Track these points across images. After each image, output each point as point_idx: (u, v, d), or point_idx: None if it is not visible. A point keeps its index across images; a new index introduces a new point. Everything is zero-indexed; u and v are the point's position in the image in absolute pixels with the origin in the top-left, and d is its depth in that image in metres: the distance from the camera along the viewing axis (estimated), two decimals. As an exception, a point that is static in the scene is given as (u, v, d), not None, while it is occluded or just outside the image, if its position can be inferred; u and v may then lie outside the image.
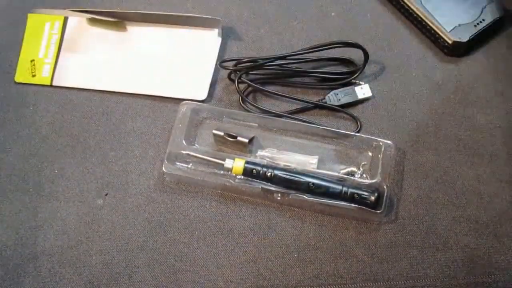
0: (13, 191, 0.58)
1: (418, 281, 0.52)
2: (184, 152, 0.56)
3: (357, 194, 0.52)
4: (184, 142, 0.57)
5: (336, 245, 0.54)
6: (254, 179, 0.54)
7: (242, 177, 0.54)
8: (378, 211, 0.53)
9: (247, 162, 0.54)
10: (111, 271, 0.54)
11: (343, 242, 0.54)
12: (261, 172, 0.53)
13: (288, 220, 0.55)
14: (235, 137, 0.56)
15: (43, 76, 0.64)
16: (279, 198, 0.55)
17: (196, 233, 0.55)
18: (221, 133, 0.56)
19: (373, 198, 0.52)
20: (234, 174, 0.54)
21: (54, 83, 0.63)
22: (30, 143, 0.60)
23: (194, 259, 0.54)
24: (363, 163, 0.56)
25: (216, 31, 0.64)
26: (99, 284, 0.53)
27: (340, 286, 0.52)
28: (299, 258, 0.54)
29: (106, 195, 0.57)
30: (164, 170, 0.56)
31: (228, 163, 0.54)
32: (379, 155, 0.55)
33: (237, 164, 0.54)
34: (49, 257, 0.55)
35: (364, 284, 0.52)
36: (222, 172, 0.55)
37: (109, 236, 0.55)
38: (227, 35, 0.65)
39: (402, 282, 0.52)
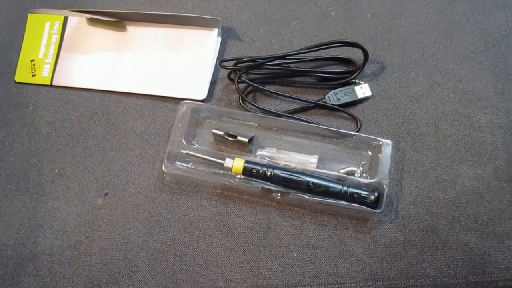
0: (13, 190, 0.58)
1: (418, 280, 0.52)
2: (184, 151, 0.56)
3: (357, 193, 0.52)
4: (184, 141, 0.57)
5: (336, 245, 0.54)
6: (254, 179, 0.54)
7: (242, 176, 0.54)
8: (378, 211, 0.53)
9: (247, 162, 0.54)
10: (110, 271, 0.54)
11: (343, 242, 0.54)
12: (260, 171, 0.53)
13: (288, 219, 0.55)
14: (234, 137, 0.56)
15: (43, 76, 0.64)
16: (278, 197, 0.55)
17: (196, 232, 0.55)
18: (221, 133, 0.56)
19: (372, 197, 0.52)
20: (234, 174, 0.55)
21: (54, 83, 0.64)
22: (30, 143, 0.60)
23: (194, 259, 0.54)
24: (362, 162, 0.56)
25: (215, 31, 0.64)
26: (99, 283, 0.53)
27: (340, 285, 0.52)
28: (298, 258, 0.54)
29: (106, 194, 0.57)
30: (164, 170, 0.56)
31: (228, 162, 0.54)
32: (379, 155, 0.55)
33: (237, 163, 0.54)
34: (49, 256, 0.55)
35: (364, 283, 0.52)
36: (222, 171, 0.55)
37: (109, 235, 0.55)
38: (227, 35, 0.65)
39: (402, 281, 0.52)
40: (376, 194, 0.53)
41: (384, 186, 0.54)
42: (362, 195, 0.52)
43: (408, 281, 0.52)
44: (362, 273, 0.53)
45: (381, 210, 0.53)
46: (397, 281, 0.52)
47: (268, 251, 0.54)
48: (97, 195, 0.57)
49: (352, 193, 0.52)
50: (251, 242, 0.54)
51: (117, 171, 0.58)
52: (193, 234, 0.55)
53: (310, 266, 0.53)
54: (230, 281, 0.53)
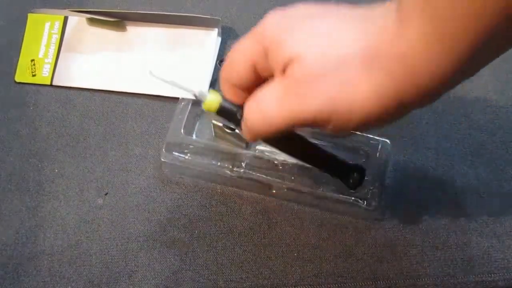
0: (13, 190, 0.58)
1: (418, 279, 0.52)
2: (181, 142, 0.56)
3: (339, 165, 0.52)
4: (182, 132, 0.57)
5: (336, 244, 0.54)
6: (230, 123, 0.46)
7: (241, 170, 0.54)
8: (377, 210, 0.53)
9: (224, 100, 0.44)
10: (110, 271, 0.54)
11: (343, 241, 0.54)
12: (238, 114, 0.44)
13: (288, 219, 0.55)
14: (233, 129, 0.56)
15: (43, 75, 0.64)
16: (274, 191, 0.55)
17: (196, 232, 0.55)
18: (220, 124, 0.56)
19: (352, 180, 0.52)
20: (207, 111, 0.45)
21: (54, 83, 0.64)
22: (30, 143, 0.60)
23: (194, 258, 0.54)
24: (362, 160, 0.56)
25: (215, 31, 0.64)
26: (99, 283, 0.53)
27: (339, 285, 0.52)
28: (298, 257, 0.54)
29: (106, 194, 0.57)
30: (163, 160, 0.56)
31: (201, 93, 0.45)
32: (377, 154, 0.55)
33: (211, 97, 0.44)
34: (49, 256, 0.55)
35: (364, 283, 0.52)
36: (219, 163, 0.55)
37: (109, 235, 0.55)
38: (227, 34, 0.65)
39: (402, 280, 0.52)
40: (356, 174, 0.51)
41: (383, 185, 0.54)
42: (343, 168, 0.51)
43: (408, 280, 0.52)
44: (362, 273, 0.53)
45: (380, 209, 0.53)
46: (397, 281, 0.52)
47: (268, 251, 0.54)
48: (97, 194, 0.57)
49: (335, 165, 0.51)
50: (251, 241, 0.54)
51: (117, 170, 0.58)
52: (193, 234, 0.55)
53: (310, 265, 0.53)
54: (230, 280, 0.53)
